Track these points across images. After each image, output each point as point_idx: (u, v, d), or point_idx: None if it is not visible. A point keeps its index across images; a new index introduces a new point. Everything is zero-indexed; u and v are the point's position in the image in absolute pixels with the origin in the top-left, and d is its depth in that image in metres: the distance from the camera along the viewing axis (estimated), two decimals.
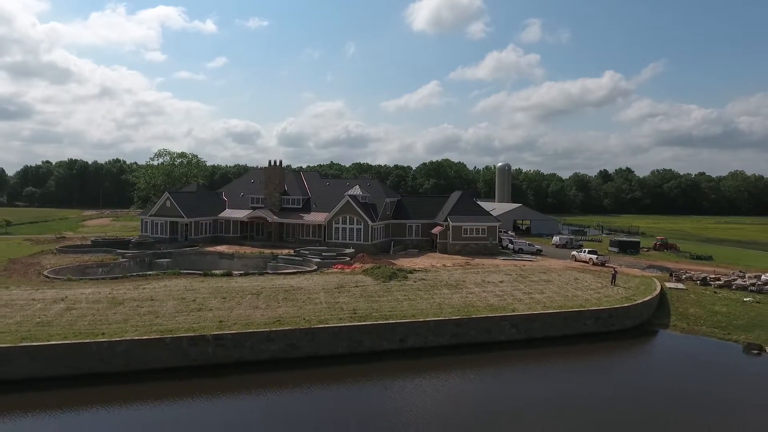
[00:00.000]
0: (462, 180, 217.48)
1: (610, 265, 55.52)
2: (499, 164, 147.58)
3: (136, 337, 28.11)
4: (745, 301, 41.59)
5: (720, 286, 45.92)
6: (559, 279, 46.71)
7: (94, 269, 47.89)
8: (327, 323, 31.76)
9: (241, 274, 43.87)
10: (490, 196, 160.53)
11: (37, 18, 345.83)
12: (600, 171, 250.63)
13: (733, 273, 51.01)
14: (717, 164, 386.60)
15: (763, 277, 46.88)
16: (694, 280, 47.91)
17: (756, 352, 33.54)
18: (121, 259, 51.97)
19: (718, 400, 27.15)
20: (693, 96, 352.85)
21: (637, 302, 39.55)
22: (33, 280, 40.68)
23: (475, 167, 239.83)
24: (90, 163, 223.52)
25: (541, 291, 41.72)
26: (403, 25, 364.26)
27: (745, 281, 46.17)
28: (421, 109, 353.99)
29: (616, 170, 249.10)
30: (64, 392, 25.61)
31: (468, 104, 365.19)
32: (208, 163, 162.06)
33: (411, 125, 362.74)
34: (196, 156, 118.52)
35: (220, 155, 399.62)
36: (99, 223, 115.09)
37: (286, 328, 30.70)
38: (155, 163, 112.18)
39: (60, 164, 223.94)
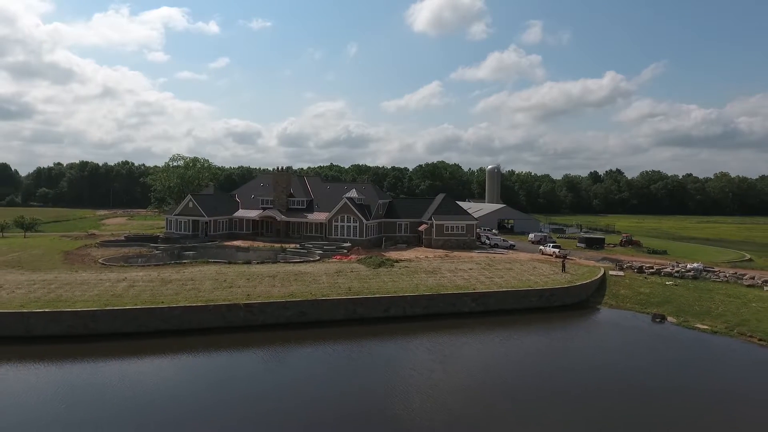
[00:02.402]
0: (457, 181, 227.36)
1: (571, 257, 65.32)
2: (489, 167, 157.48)
3: (187, 305, 37.95)
4: (666, 284, 51.32)
5: (652, 273, 55.63)
6: (520, 268, 56.49)
7: (135, 259, 57.69)
8: (328, 296, 41.59)
9: (258, 263, 53.70)
10: (483, 197, 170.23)
11: (41, 19, 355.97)
12: (590, 172, 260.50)
13: (669, 263, 60.69)
14: (716, 164, 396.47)
15: (688, 265, 56.58)
16: (632, 269, 57.65)
17: (659, 320, 43.33)
18: (155, 251, 61.86)
19: (617, 349, 36.88)
20: (693, 96, 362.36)
21: (576, 284, 49.37)
22: (92, 266, 50.59)
23: (470, 169, 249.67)
24: (101, 164, 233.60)
25: (501, 276, 51.54)
26: (404, 25, 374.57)
27: (672, 269, 55.88)
28: (421, 109, 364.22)
29: (606, 171, 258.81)
30: (136, 343, 35.21)
31: (468, 104, 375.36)
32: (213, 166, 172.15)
33: (411, 125, 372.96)
34: (208, 160, 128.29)
35: (220, 155, 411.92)
36: (118, 222, 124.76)
37: (298, 299, 40.55)
38: (172, 164, 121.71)
39: (72, 166, 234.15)
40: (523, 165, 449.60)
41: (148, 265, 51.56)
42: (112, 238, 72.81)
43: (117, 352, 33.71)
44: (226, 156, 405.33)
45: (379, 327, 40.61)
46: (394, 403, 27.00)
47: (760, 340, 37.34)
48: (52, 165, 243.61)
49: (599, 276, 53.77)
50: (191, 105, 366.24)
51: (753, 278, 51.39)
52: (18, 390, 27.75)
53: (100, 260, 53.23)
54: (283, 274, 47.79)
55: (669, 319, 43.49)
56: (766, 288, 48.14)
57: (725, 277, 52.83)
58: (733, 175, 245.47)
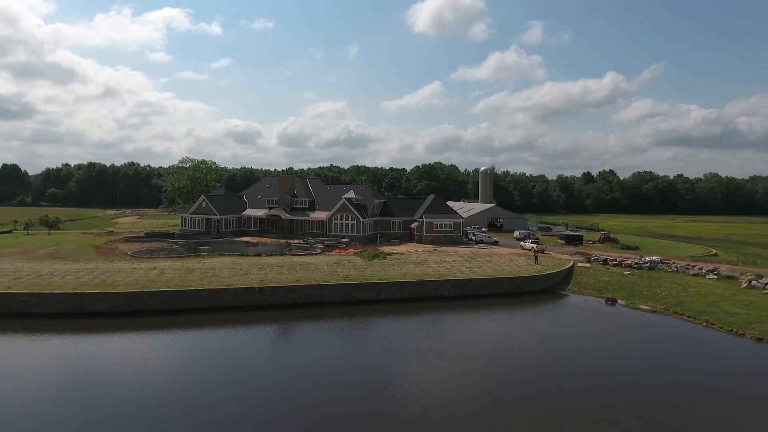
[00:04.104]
0: (453, 182, 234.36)
1: (547, 252, 72.66)
2: (482, 168, 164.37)
3: (211, 287, 45.35)
4: (624, 274, 58.66)
5: (614, 265, 62.96)
6: (498, 260, 63.87)
7: (158, 252, 65.01)
8: (329, 282, 48.96)
9: (267, 255, 61.07)
10: (478, 197, 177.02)
11: (43, 19, 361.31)
12: (584, 173, 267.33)
13: (633, 257, 67.91)
14: (715, 165, 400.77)
15: (646, 258, 63.92)
16: (598, 261, 65.01)
17: (611, 303, 50.75)
18: (174, 246, 69.24)
19: (570, 322, 44.24)
20: (693, 96, 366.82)
21: (544, 273, 56.75)
22: (123, 258, 58.00)
23: (466, 169, 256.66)
24: (108, 165, 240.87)
25: (480, 267, 58.94)
26: (404, 26, 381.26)
27: (632, 262, 63.19)
28: (421, 109, 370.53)
29: (599, 172, 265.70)
30: (170, 318, 42.57)
31: (469, 104, 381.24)
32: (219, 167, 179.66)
33: (411, 125, 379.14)
34: (215, 162, 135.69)
35: (220, 155, 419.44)
36: (129, 221, 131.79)
37: (303, 284, 47.94)
38: (181, 166, 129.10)
39: (80, 167, 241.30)
40: (523, 165, 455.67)
41: (172, 257, 58.95)
42: (133, 235, 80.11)
43: (156, 326, 41.07)
44: (226, 156, 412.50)
45: (372, 308, 47.95)
46: (386, 359, 34.39)
47: (688, 317, 44.74)
48: (60, 166, 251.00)
49: (567, 267, 61.13)
50: (192, 105, 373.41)
51: (700, 269, 58.75)
52: (84, 352, 35.18)
53: (128, 253, 60.65)
54: (290, 265, 55.20)
55: (619, 302, 50.86)
56: (707, 276, 55.53)
57: (677, 268, 60.18)
58: (725, 175, 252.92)
